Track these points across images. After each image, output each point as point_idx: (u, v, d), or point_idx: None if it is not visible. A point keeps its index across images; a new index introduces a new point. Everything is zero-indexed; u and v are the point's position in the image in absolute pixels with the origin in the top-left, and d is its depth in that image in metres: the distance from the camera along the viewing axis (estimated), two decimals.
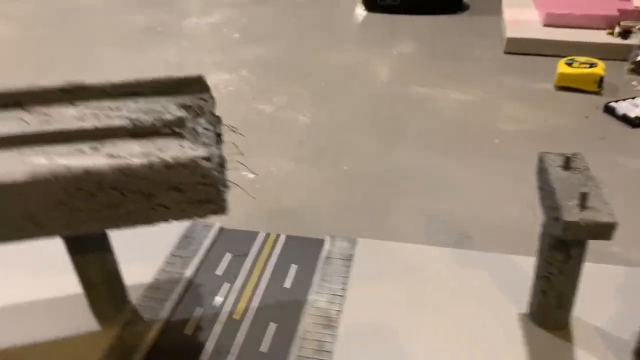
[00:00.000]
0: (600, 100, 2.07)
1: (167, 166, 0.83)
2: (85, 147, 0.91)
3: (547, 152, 1.07)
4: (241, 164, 1.02)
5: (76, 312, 1.14)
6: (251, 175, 1.58)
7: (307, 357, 1.06)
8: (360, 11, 3.08)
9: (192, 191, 0.87)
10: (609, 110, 1.96)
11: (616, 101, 1.99)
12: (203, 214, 0.90)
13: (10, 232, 0.82)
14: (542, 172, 1.03)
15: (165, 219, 0.88)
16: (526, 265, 1.21)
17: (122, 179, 0.83)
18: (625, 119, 1.91)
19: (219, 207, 0.90)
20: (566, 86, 2.16)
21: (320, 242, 1.35)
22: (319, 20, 2.99)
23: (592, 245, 1.21)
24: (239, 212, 1.48)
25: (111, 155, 0.88)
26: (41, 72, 2.37)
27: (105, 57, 2.53)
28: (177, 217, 0.89)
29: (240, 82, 2.29)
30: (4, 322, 1.13)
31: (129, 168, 0.82)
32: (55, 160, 0.87)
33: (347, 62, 2.49)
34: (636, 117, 1.89)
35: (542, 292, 1.06)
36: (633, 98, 2.01)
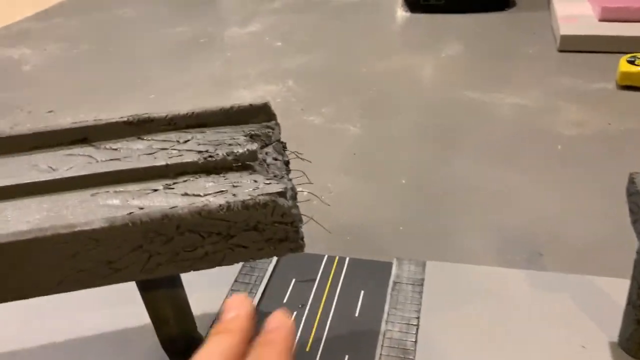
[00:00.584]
0: None
1: (246, 207, 0.80)
2: (158, 185, 0.89)
3: (638, 172, 1.00)
4: (314, 195, 0.99)
5: (146, 347, 1.13)
6: (305, 192, 1.55)
7: None
8: (402, 13, 3.02)
9: (270, 230, 0.83)
10: None
11: None
12: (281, 253, 0.86)
13: (88, 279, 0.80)
14: (634, 194, 0.96)
15: (243, 259, 0.85)
16: (614, 288, 1.14)
17: (200, 221, 0.80)
18: None
19: (296, 245, 0.86)
20: (629, 85, 2.06)
21: (387, 265, 1.31)
22: (361, 25, 2.94)
23: None
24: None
25: (186, 194, 0.85)
26: (89, 92, 2.39)
27: (150, 73, 2.53)
28: (255, 256, 0.85)
29: (287, 94, 2.26)
30: (74, 354, 1.13)
31: (207, 210, 0.79)
32: (129, 202, 0.85)
33: (394, 67, 2.43)
34: None
35: (637, 322, 0.99)
36: None
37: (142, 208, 0.82)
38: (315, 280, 1.29)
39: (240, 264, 1.33)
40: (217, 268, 1.23)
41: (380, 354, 1.09)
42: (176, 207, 0.80)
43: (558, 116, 1.98)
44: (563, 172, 1.67)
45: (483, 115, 2.02)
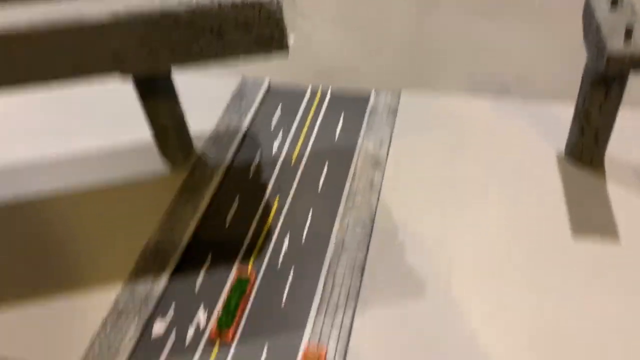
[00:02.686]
0: None
1: (235, 5, 0.89)
2: None
3: None
4: (296, 8, 1.07)
5: (148, 159, 1.26)
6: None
7: (359, 192, 1.17)
8: None
9: (258, 30, 0.93)
10: None
11: None
12: (267, 51, 0.96)
13: (97, 67, 0.91)
14: (588, 10, 1.06)
15: (234, 56, 0.95)
16: (564, 112, 1.28)
17: (194, 17, 0.89)
18: None
19: (281, 47, 0.96)
20: None
21: (366, 96, 1.42)
22: None
23: (632, 91, 1.26)
24: (287, 72, 1.55)
25: None
26: None
27: None
28: (245, 55, 0.96)
29: None
30: (87, 167, 1.26)
31: (201, 5, 0.88)
32: (130, 2, 0.93)
33: None
34: None
35: (580, 130, 1.13)
36: None
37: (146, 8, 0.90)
38: (299, 107, 1.41)
39: (231, 92, 1.44)
40: (209, 94, 1.35)
41: (356, 164, 1.23)
42: (172, 5, 0.89)
43: None
44: (535, 22, 1.75)
45: None
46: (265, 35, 0.94)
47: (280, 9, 0.95)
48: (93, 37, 0.87)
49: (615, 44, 0.96)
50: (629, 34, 0.95)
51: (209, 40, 0.92)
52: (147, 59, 0.92)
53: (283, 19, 0.94)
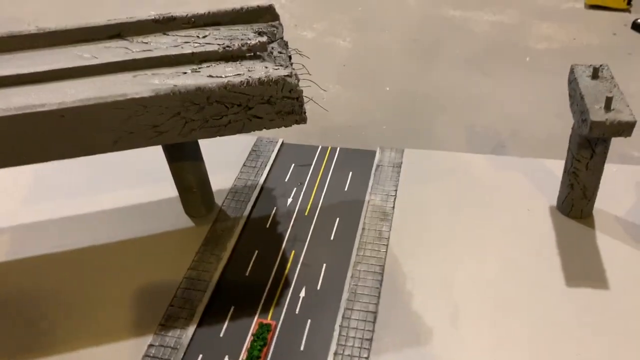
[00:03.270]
0: (629, 18, 2.16)
1: (261, 82, 1.01)
2: (186, 69, 1.09)
3: (578, 64, 1.22)
4: (312, 81, 1.19)
5: (173, 213, 1.37)
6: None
7: (369, 243, 1.27)
8: None
9: (280, 104, 1.05)
10: (637, 27, 2.06)
11: None
12: (288, 124, 1.08)
13: (139, 139, 1.02)
14: (573, 81, 1.19)
15: (259, 127, 1.07)
16: (556, 167, 1.39)
17: (225, 94, 1.01)
18: None
19: (301, 117, 1.08)
20: (596, 4, 2.25)
21: (371, 153, 1.54)
22: None
23: (616, 149, 1.39)
24: (296, 131, 1.67)
25: (211, 76, 1.06)
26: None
27: None
28: (268, 126, 1.07)
29: (281, 10, 2.40)
30: (116, 221, 1.36)
31: (231, 84, 1.00)
32: (165, 81, 1.05)
33: None
34: None
35: (570, 186, 1.24)
36: None
37: (176, 85, 1.02)
38: (311, 164, 1.52)
39: (247, 151, 1.55)
40: (228, 154, 1.46)
41: (365, 216, 1.34)
42: (206, 83, 1.01)
43: (530, 32, 2.18)
44: (529, 79, 1.89)
45: (463, 31, 2.21)
46: (287, 108, 1.06)
47: (298, 83, 1.07)
48: (135, 112, 0.99)
49: (597, 112, 1.08)
50: (608, 103, 1.08)
51: (237, 113, 1.04)
52: (182, 130, 1.03)
53: (301, 93, 1.07)
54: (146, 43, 1.18)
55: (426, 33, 2.21)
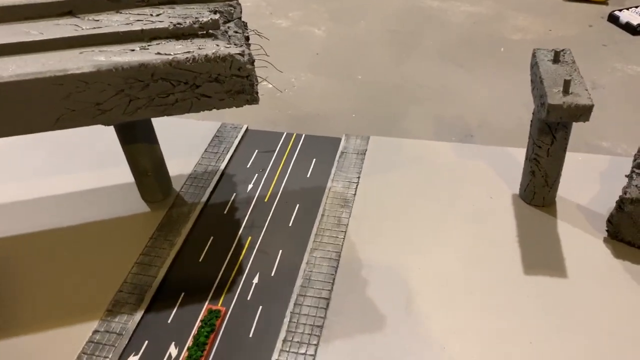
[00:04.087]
0: (606, 10, 2.14)
1: (208, 59, 0.98)
2: (135, 46, 1.05)
3: (540, 48, 1.20)
4: (268, 62, 1.16)
5: (129, 198, 1.33)
6: (270, 85, 1.72)
7: (327, 229, 1.24)
8: None
9: (230, 82, 1.02)
10: (613, 19, 2.04)
11: (620, 10, 2.06)
12: (239, 104, 1.05)
13: (81, 118, 0.99)
14: (535, 65, 1.16)
15: (207, 107, 1.04)
16: (521, 156, 1.36)
17: (171, 70, 0.98)
18: (627, 27, 1.99)
19: (252, 97, 1.05)
20: None
21: (337, 140, 1.51)
22: None
23: (584, 138, 1.36)
24: (263, 118, 1.65)
25: (159, 53, 1.02)
26: None
27: None
28: (218, 105, 1.04)
29: None
30: (72, 206, 1.33)
31: (177, 61, 0.97)
32: (111, 58, 1.02)
33: None
34: (638, 25, 1.97)
35: (532, 173, 1.22)
36: (637, 7, 2.08)
37: (119, 61, 0.99)
38: (274, 151, 1.49)
39: (210, 136, 1.52)
40: (190, 139, 1.43)
41: (325, 203, 1.31)
42: (151, 60, 0.98)
43: (506, 23, 2.15)
44: (501, 70, 1.87)
45: (439, 21, 2.18)
46: (237, 86, 1.03)
47: (250, 62, 1.04)
48: (76, 89, 0.95)
49: (555, 95, 1.05)
50: (567, 86, 1.05)
51: (184, 92, 1.01)
52: (126, 109, 1.00)
53: (253, 72, 1.03)
54: (97, 21, 1.14)
55: (403, 24, 2.19)
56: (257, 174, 1.42)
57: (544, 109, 1.07)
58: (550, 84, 1.08)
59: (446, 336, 1.02)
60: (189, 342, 1.04)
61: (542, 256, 1.16)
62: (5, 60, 1.02)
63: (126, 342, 1.05)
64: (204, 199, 1.34)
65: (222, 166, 1.43)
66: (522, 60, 1.90)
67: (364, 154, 1.45)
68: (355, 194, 1.33)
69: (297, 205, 1.32)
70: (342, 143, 1.49)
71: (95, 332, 1.06)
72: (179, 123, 1.54)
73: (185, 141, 1.48)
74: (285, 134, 1.55)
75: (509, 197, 1.30)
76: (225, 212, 1.32)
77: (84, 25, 1.12)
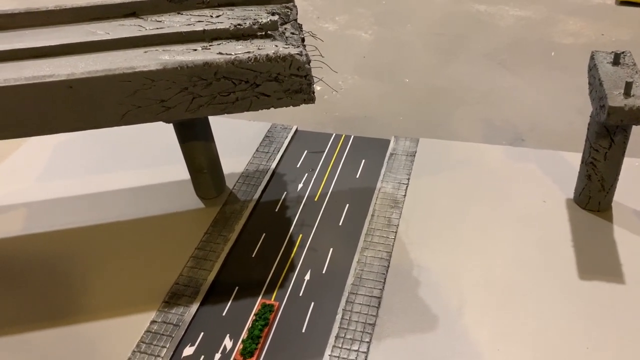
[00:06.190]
0: None
1: (269, 59, 1.01)
2: (197, 46, 1.09)
3: (599, 51, 1.18)
4: (323, 62, 1.18)
5: (184, 194, 1.37)
6: (318, 87, 1.74)
7: (377, 229, 1.25)
8: None
9: (288, 82, 1.04)
10: None
11: None
12: (296, 103, 1.07)
13: (146, 115, 1.03)
14: (593, 68, 1.15)
15: (267, 105, 1.06)
16: (574, 160, 1.35)
17: (233, 69, 1.01)
18: None
19: (308, 96, 1.07)
20: (628, 1, 2.18)
21: (386, 142, 1.52)
22: None
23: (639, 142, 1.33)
24: (311, 120, 1.67)
25: (221, 53, 1.06)
26: None
27: None
28: (276, 104, 1.07)
29: (303, 3, 2.41)
30: (130, 201, 1.37)
31: (239, 60, 1.00)
32: (175, 57, 1.05)
33: None
34: None
35: (588, 177, 1.20)
36: None
37: (184, 60, 1.02)
38: (324, 151, 1.51)
39: (261, 137, 1.55)
40: (242, 139, 1.46)
41: (375, 203, 1.32)
42: (214, 59, 1.01)
43: (556, 27, 2.12)
44: (552, 75, 1.84)
45: (487, 26, 2.17)
46: (295, 86, 1.05)
47: (308, 62, 1.06)
48: (143, 86, 0.99)
49: (616, 97, 1.04)
50: (628, 88, 1.04)
51: (244, 90, 1.03)
52: (189, 106, 1.03)
53: (310, 72, 1.05)
54: (160, 21, 1.18)
55: (450, 27, 2.18)
56: (306, 174, 1.44)
57: (603, 112, 1.05)
58: (611, 86, 1.06)
59: (498, 339, 1.02)
60: (244, 335, 1.06)
61: (598, 261, 1.14)
62: (75, 58, 1.07)
63: (182, 333, 1.08)
64: (256, 196, 1.36)
65: (273, 165, 1.46)
66: (573, 64, 1.87)
67: (414, 155, 1.45)
68: (405, 195, 1.33)
69: (347, 205, 1.33)
70: (392, 144, 1.50)
71: (153, 322, 1.10)
72: (232, 123, 1.57)
73: (238, 141, 1.52)
74: (334, 135, 1.57)
75: (563, 201, 1.28)
76: (276, 210, 1.34)
77: (147, 25, 1.16)
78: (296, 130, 1.59)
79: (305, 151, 1.51)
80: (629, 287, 1.08)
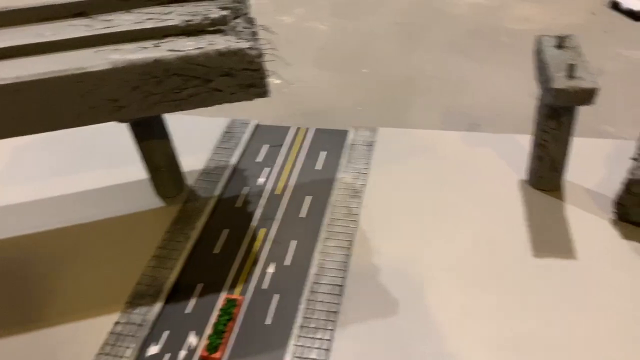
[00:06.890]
0: None
1: (220, 54, 1.01)
2: (148, 44, 1.08)
3: (544, 35, 1.22)
4: (275, 55, 1.18)
5: (144, 194, 1.36)
6: (277, 81, 1.74)
7: (338, 219, 1.27)
8: None
9: (241, 76, 1.05)
10: (615, 6, 2.06)
11: None
12: (250, 97, 1.08)
13: (99, 115, 1.02)
14: (539, 51, 1.18)
15: (220, 101, 1.06)
16: (526, 142, 1.38)
17: (184, 66, 1.00)
18: (629, 13, 2.01)
19: (262, 90, 1.08)
20: None
21: (345, 133, 1.54)
22: None
23: (589, 124, 1.38)
24: (271, 114, 1.67)
25: (171, 50, 1.05)
26: None
27: None
28: (230, 99, 1.07)
29: None
30: (89, 203, 1.36)
31: (189, 56, 1.00)
32: (126, 55, 1.05)
33: None
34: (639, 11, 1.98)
35: (538, 158, 1.24)
36: None
37: (134, 58, 1.01)
38: (284, 145, 1.52)
39: (220, 132, 1.55)
40: (200, 135, 1.46)
41: (336, 194, 1.33)
42: (164, 56, 1.00)
43: (509, 13, 2.17)
44: (507, 60, 1.89)
45: (443, 14, 2.20)
46: (247, 80, 1.05)
47: (260, 56, 1.06)
48: (94, 86, 0.98)
49: (560, 79, 1.07)
50: (571, 70, 1.07)
51: (197, 86, 1.03)
52: (141, 104, 1.03)
53: (263, 66, 1.06)
54: (109, 20, 1.17)
55: (407, 17, 2.21)
56: (268, 168, 1.44)
57: (549, 94, 1.08)
58: (555, 68, 1.10)
59: (462, 319, 1.05)
60: (209, 331, 1.07)
61: (551, 239, 1.18)
62: (24, 60, 1.05)
63: (147, 332, 1.07)
64: (217, 193, 1.36)
65: (234, 161, 1.46)
66: (528, 49, 1.91)
67: (372, 145, 1.47)
68: (364, 185, 1.35)
69: (308, 197, 1.35)
70: (351, 135, 1.51)
71: (117, 323, 1.09)
72: (191, 120, 1.56)
73: (197, 138, 1.51)
74: (294, 128, 1.58)
75: (517, 182, 1.32)
76: (238, 205, 1.34)
77: (96, 25, 1.15)
78: (256, 125, 1.59)
79: (266, 145, 1.52)
80: (581, 263, 1.13)
